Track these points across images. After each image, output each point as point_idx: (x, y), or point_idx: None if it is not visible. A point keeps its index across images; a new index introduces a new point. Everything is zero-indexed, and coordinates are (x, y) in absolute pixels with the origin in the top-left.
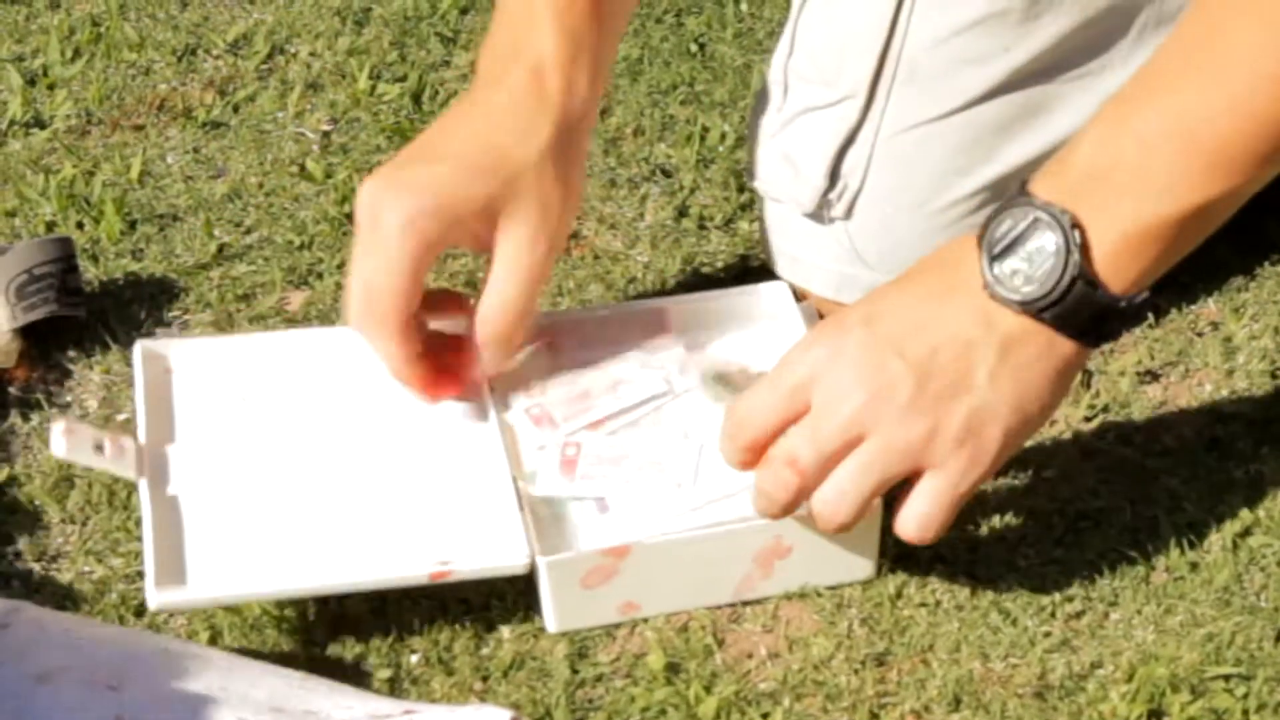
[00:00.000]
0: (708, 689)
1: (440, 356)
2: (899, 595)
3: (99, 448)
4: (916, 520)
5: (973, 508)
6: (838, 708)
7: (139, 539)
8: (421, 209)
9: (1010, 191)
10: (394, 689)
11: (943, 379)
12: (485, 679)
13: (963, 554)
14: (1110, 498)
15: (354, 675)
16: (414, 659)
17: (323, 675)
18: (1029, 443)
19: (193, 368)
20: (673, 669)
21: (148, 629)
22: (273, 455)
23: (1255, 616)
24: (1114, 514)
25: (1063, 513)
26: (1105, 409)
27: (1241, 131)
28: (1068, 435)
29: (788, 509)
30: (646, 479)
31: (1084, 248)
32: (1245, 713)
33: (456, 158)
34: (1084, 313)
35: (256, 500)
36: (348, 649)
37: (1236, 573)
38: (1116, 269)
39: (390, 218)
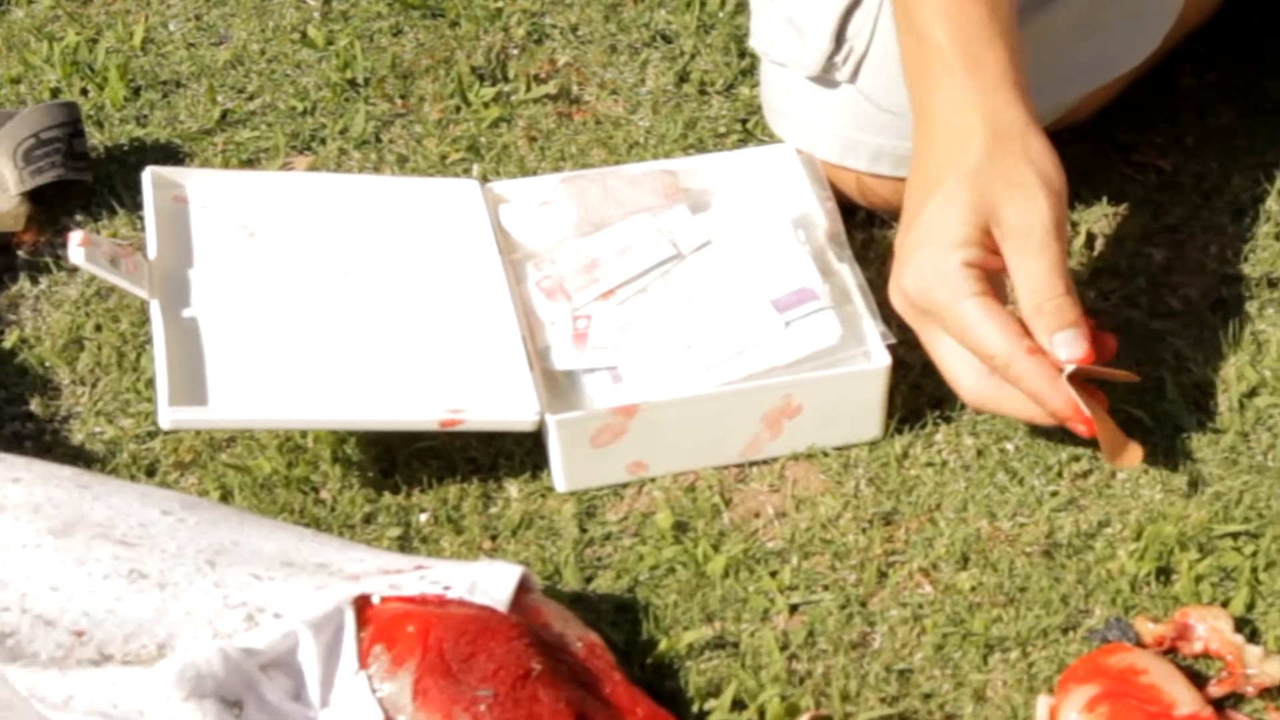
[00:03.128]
0: (715, 547)
1: None
2: (905, 455)
3: (114, 262)
4: None
5: None
6: (845, 565)
7: (149, 400)
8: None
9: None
10: (403, 547)
11: None
12: (494, 538)
13: (968, 415)
14: (1116, 359)
15: (363, 534)
16: (423, 518)
17: (333, 534)
18: None
19: (205, 198)
20: (680, 528)
21: (158, 486)
22: (286, 290)
23: (1263, 476)
24: None
25: None
26: (1111, 270)
27: None
28: None
29: None
30: (657, 343)
31: None
32: (1254, 570)
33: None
34: None
35: (269, 331)
36: (357, 508)
37: (1243, 432)
38: None
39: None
